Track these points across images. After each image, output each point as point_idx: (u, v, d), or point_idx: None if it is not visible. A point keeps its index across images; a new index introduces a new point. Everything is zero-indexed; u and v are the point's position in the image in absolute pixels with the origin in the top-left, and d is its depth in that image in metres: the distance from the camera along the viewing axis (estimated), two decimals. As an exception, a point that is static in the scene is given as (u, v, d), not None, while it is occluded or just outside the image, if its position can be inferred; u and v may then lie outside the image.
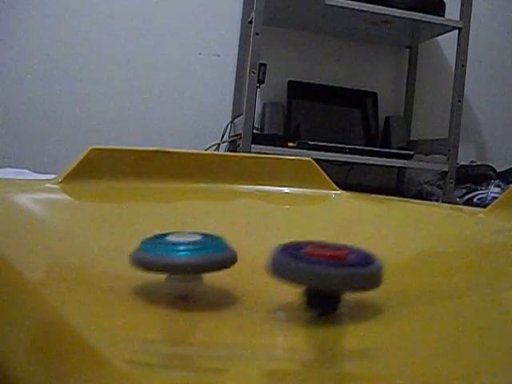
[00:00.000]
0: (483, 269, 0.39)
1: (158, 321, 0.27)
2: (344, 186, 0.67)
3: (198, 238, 0.29)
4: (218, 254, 0.28)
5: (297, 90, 2.04)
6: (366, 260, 0.27)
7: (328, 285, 0.25)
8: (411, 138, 2.12)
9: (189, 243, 0.28)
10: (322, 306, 0.26)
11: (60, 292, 0.27)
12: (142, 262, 0.28)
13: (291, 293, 0.27)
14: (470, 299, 0.32)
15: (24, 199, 0.46)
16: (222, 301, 0.30)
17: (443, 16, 1.91)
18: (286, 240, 0.31)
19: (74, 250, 0.37)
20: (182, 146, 0.72)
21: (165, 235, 0.29)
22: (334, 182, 0.65)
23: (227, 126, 2.02)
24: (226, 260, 0.28)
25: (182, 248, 0.27)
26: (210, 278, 0.29)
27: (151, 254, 0.27)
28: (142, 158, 0.55)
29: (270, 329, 0.27)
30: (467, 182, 1.95)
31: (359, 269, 0.26)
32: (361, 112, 2.09)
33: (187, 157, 0.58)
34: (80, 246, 0.38)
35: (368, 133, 2.07)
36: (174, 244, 0.28)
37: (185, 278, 0.28)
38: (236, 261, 0.29)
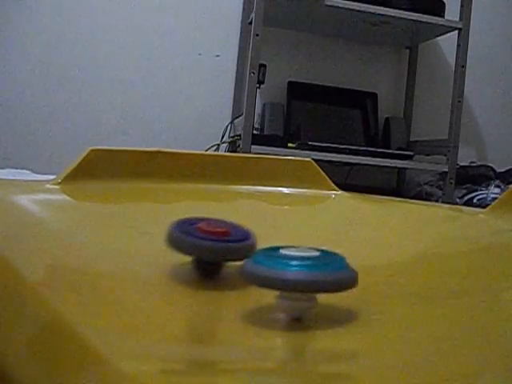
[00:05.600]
0: (483, 269, 0.39)
1: (164, 317, 0.27)
2: (344, 186, 0.67)
3: (317, 253, 0.26)
4: (337, 273, 0.25)
5: (297, 90, 2.04)
6: (242, 236, 0.32)
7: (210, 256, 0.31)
8: (411, 139, 2.12)
9: (304, 259, 0.25)
10: (207, 271, 0.32)
11: (60, 293, 0.27)
12: (255, 276, 0.25)
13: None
14: (470, 299, 0.32)
15: (24, 200, 0.46)
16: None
17: (443, 17, 1.91)
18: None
19: (73, 251, 0.37)
20: (182, 147, 0.73)
21: (278, 248, 0.27)
22: (333, 182, 0.65)
23: (227, 126, 2.02)
24: (345, 281, 0.25)
25: (296, 263, 0.25)
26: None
27: (265, 268, 0.25)
28: (142, 158, 0.55)
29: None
30: (467, 183, 1.95)
31: (234, 244, 0.31)
32: (361, 113, 2.09)
33: (187, 157, 0.58)
34: (80, 246, 0.38)
35: (368, 133, 2.07)
36: (289, 259, 0.25)
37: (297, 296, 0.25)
38: (357, 283, 0.26)
